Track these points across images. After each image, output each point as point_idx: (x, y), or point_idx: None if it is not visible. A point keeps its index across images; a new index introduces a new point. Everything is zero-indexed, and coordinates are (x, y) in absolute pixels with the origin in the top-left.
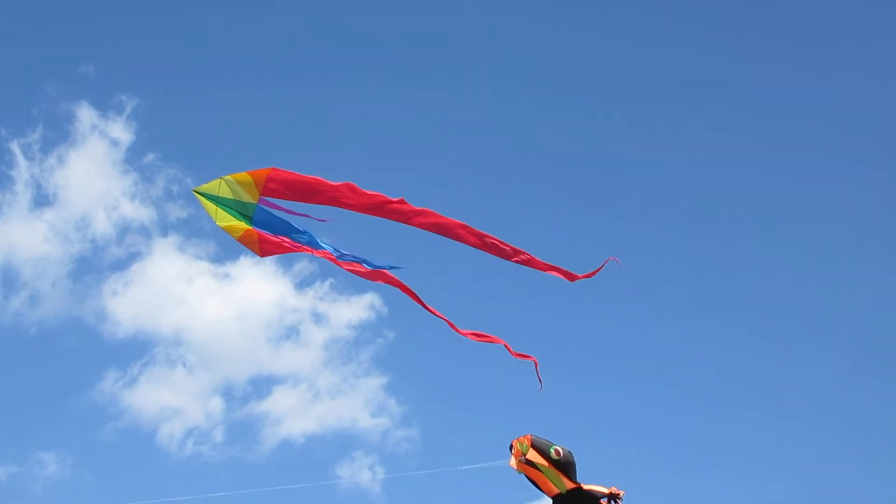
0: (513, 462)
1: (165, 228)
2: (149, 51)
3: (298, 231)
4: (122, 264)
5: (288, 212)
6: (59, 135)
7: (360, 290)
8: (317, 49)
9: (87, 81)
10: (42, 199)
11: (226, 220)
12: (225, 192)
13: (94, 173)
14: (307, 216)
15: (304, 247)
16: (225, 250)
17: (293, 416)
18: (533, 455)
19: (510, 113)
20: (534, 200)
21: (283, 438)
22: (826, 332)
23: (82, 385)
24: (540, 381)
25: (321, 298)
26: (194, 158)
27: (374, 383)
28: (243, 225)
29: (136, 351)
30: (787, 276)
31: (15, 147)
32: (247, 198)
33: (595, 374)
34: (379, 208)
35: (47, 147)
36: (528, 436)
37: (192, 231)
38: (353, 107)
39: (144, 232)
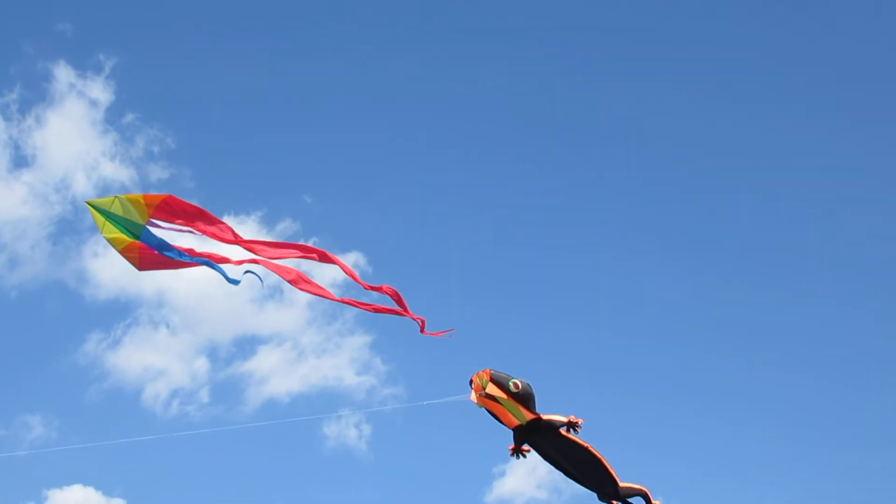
0: (473, 396)
1: (147, 189)
2: (128, 9)
3: (181, 254)
4: None
5: (176, 230)
6: (37, 94)
7: (345, 249)
8: (300, 8)
9: (65, 40)
10: (20, 161)
11: (112, 232)
12: (117, 210)
13: (73, 134)
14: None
15: (187, 263)
16: (206, 209)
17: (278, 375)
18: (492, 389)
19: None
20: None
21: (269, 398)
22: (818, 278)
23: (65, 348)
24: (440, 334)
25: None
26: (175, 118)
27: (360, 342)
28: (127, 238)
29: (119, 313)
30: (781, 222)
31: None
32: (136, 218)
33: (584, 324)
34: (251, 250)
35: (25, 107)
36: (487, 370)
37: (173, 191)
38: (336, 69)
39: (125, 192)
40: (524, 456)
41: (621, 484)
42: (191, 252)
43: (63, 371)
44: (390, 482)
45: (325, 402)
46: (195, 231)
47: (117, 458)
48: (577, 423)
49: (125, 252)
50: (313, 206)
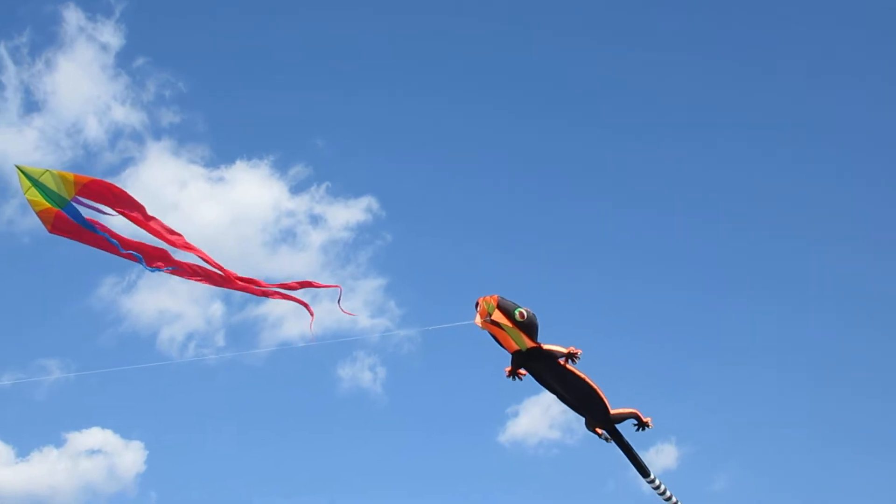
0: (478, 320)
1: (158, 133)
2: None
3: (96, 231)
4: (114, 170)
5: (98, 211)
6: (46, 37)
7: (357, 193)
8: None
9: None
10: (31, 106)
11: (35, 196)
12: (47, 181)
13: (83, 78)
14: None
15: (99, 239)
16: (219, 154)
17: (291, 319)
18: (498, 316)
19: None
20: None
21: (282, 341)
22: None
23: (79, 292)
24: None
25: (318, 201)
26: (186, 63)
27: (373, 285)
28: (48, 204)
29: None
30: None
31: (2, 50)
32: (63, 193)
33: (594, 267)
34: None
35: (35, 51)
36: (496, 296)
37: (185, 135)
38: (351, 14)
39: (137, 137)
40: (520, 378)
41: (612, 411)
42: (115, 236)
43: (78, 315)
44: (404, 424)
45: (340, 345)
46: (119, 213)
47: (135, 401)
48: (576, 353)
49: (42, 214)
50: (325, 149)
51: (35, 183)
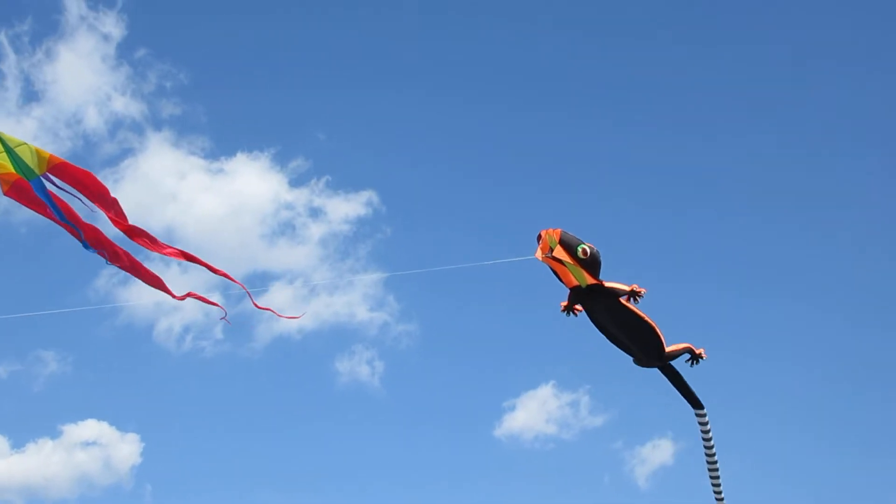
0: (539, 254)
1: (159, 124)
2: None
3: (57, 209)
4: (113, 161)
5: (66, 190)
6: (48, 26)
7: (358, 187)
8: None
9: None
10: (31, 95)
11: (4, 160)
12: (23, 153)
13: (84, 68)
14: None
15: (55, 218)
16: (219, 145)
17: (289, 312)
18: (559, 252)
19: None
20: None
21: (279, 334)
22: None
23: (76, 284)
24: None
25: (318, 195)
26: (188, 54)
27: (373, 279)
28: (12, 169)
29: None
30: None
31: (3, 38)
32: (35, 167)
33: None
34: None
35: (36, 40)
36: (558, 230)
37: (185, 127)
38: (352, 7)
39: (136, 128)
40: (575, 314)
41: (668, 348)
42: (70, 215)
43: (75, 307)
44: (401, 418)
45: (338, 338)
46: (83, 196)
47: (131, 393)
48: (640, 292)
49: (2, 175)
50: (326, 143)
51: (8, 150)
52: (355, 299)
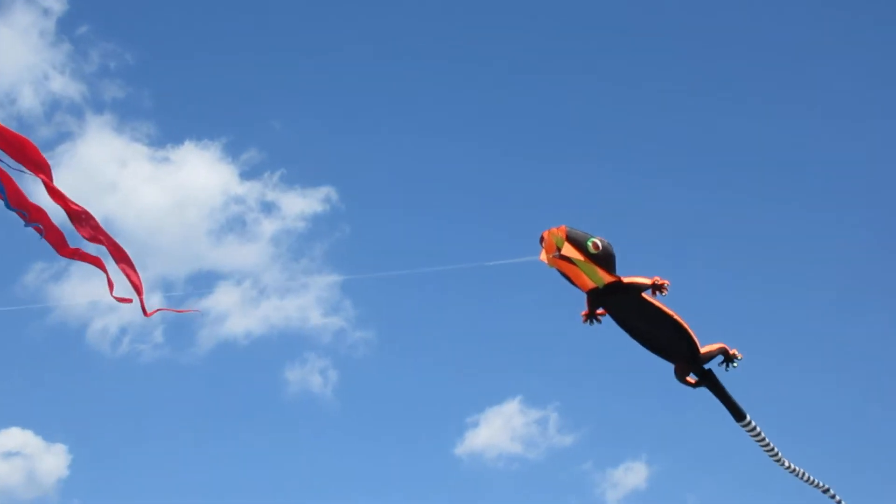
0: (544, 256)
1: (100, 107)
2: None
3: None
4: (49, 145)
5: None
6: None
7: (315, 182)
8: None
9: None
10: None
11: None
12: None
13: (20, 44)
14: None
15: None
16: (165, 132)
17: (236, 315)
18: (568, 249)
19: None
20: None
21: (224, 339)
22: None
23: (4, 279)
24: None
25: (271, 188)
26: (134, 33)
27: (328, 281)
28: None
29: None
30: None
31: None
32: None
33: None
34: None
35: None
36: (563, 227)
37: (129, 111)
38: None
39: (75, 110)
40: (598, 321)
41: (702, 350)
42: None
43: (2, 304)
44: (355, 432)
45: (288, 345)
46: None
47: (60, 399)
48: (663, 284)
49: None
50: (283, 133)
51: None
52: (308, 303)
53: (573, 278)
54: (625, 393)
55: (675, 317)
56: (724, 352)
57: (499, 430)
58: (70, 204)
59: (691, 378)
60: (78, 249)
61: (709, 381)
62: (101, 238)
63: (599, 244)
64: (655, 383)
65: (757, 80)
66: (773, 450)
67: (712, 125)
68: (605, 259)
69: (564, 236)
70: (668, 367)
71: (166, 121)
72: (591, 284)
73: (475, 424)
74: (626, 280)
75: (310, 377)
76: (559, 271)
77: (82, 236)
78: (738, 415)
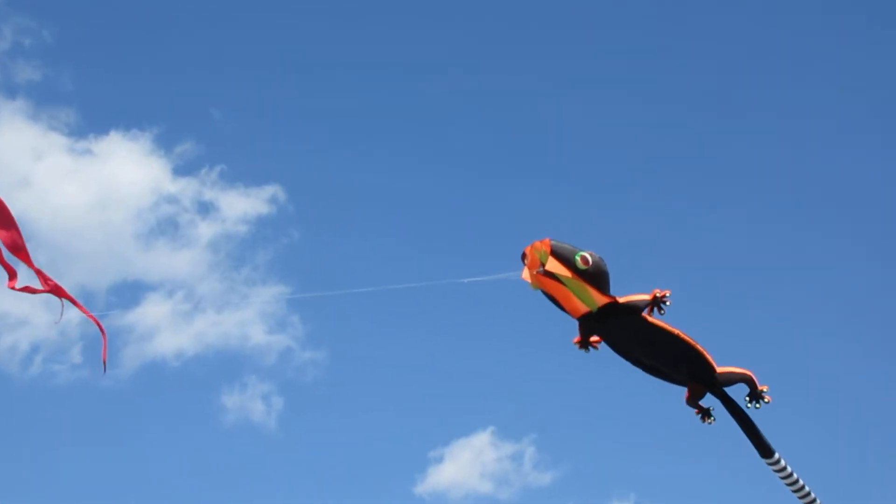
0: (526, 275)
1: (12, 91)
2: None
3: None
4: None
5: None
6: None
7: (260, 180)
8: None
9: None
10: None
11: None
12: None
13: None
14: None
15: None
16: (88, 121)
17: (166, 331)
18: (553, 265)
19: None
20: None
21: (152, 360)
22: None
23: None
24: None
25: (209, 186)
26: (53, 7)
27: (273, 293)
28: None
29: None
30: None
31: None
32: None
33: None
34: None
35: None
36: (547, 240)
37: (46, 96)
38: None
39: None
40: (596, 348)
41: (719, 370)
42: None
43: None
44: (302, 467)
45: (226, 366)
46: None
47: None
48: (663, 296)
49: None
50: (223, 124)
51: None
52: (250, 318)
53: (561, 301)
54: (611, 425)
55: (683, 336)
56: (750, 382)
57: (466, 465)
58: None
59: (704, 406)
60: None
61: (730, 406)
62: None
63: (589, 259)
64: (646, 414)
65: (762, 96)
66: (808, 493)
67: (690, 139)
68: (595, 276)
69: (549, 250)
70: (661, 396)
71: (89, 108)
72: (582, 309)
73: (439, 459)
74: (621, 300)
75: (250, 404)
76: (545, 293)
77: None
78: (765, 450)
